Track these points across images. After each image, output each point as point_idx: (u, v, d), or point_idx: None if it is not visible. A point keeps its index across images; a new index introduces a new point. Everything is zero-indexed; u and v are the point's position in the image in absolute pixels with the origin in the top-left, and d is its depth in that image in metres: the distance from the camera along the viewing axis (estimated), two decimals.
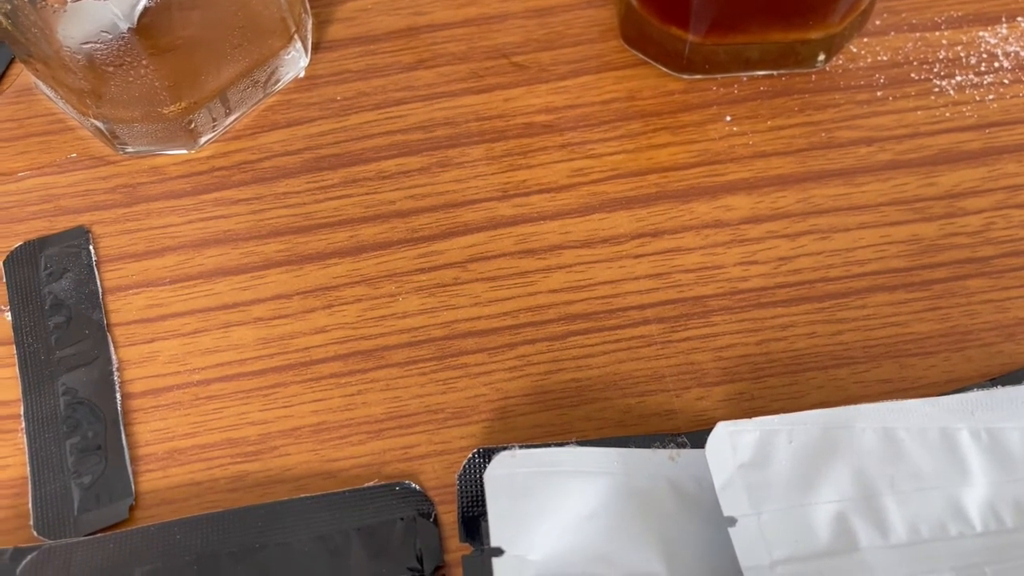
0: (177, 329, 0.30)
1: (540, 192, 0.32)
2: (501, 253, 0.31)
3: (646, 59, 0.35)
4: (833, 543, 0.23)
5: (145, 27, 0.29)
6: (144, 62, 0.30)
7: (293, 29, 0.34)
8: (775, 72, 0.34)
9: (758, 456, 0.24)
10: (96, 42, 0.29)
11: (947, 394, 0.26)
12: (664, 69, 0.35)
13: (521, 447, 0.25)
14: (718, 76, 0.35)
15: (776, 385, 0.28)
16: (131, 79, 0.30)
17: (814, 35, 0.33)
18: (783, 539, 0.23)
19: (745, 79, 0.34)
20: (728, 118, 0.34)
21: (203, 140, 0.33)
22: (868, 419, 0.25)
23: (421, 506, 0.26)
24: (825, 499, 0.23)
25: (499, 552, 0.23)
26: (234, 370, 0.29)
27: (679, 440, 0.26)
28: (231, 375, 0.29)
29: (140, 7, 0.29)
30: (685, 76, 0.35)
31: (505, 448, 0.25)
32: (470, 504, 0.26)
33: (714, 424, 0.27)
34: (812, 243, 0.31)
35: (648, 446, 0.26)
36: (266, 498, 0.27)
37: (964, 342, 0.29)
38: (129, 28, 0.29)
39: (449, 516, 0.26)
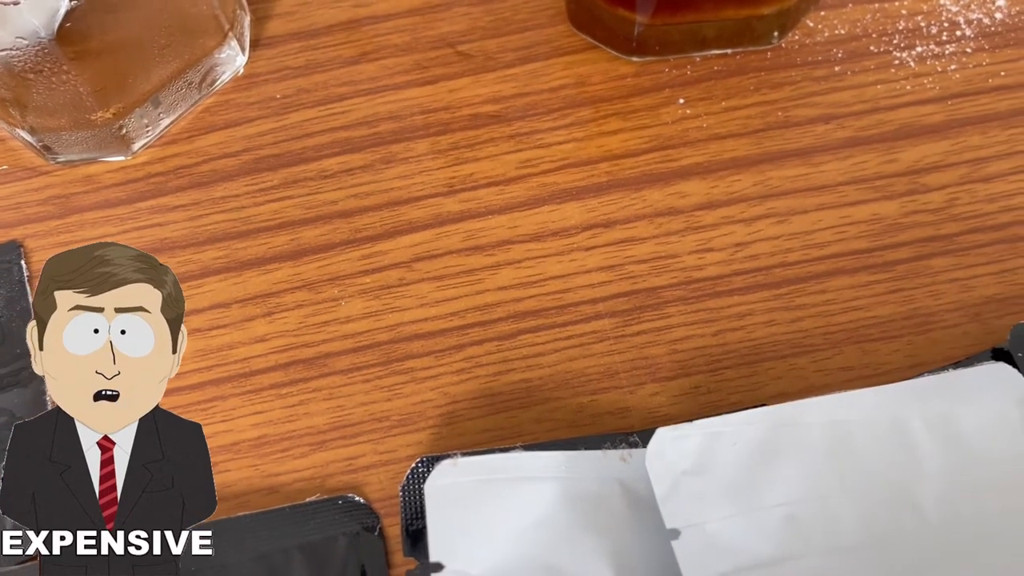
0: None
1: (488, 186, 0.31)
2: (448, 251, 0.30)
3: (596, 43, 0.34)
4: (780, 550, 0.22)
5: (64, 33, 0.28)
6: (65, 67, 0.29)
7: (227, 27, 0.33)
8: (729, 51, 0.33)
9: (701, 462, 0.23)
10: (12, 49, 0.28)
11: (910, 379, 0.25)
12: (614, 52, 0.33)
13: (464, 454, 0.24)
14: (671, 57, 0.33)
15: (733, 377, 0.27)
16: (54, 86, 0.29)
17: (767, 10, 0.32)
18: (728, 549, 0.22)
19: (698, 59, 0.33)
20: (681, 100, 0.32)
21: (137, 146, 0.32)
22: (815, 414, 0.24)
23: (365, 520, 0.25)
24: (772, 503, 0.22)
25: (438, 567, 0.22)
26: (171, 384, 0.28)
27: (631, 440, 0.25)
28: (168, 389, 0.28)
29: (60, 15, 0.28)
30: (636, 59, 0.33)
31: (447, 456, 0.24)
32: (414, 516, 0.25)
33: (669, 421, 0.26)
34: (769, 227, 0.30)
35: (598, 447, 0.25)
36: None
37: (928, 324, 0.28)
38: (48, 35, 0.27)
39: (396, 529, 0.25)
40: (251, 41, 0.35)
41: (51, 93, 0.29)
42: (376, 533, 0.25)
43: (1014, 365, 0.25)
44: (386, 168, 0.32)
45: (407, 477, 0.25)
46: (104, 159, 0.32)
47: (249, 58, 0.34)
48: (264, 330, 0.29)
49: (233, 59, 0.34)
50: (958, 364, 0.26)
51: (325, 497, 0.26)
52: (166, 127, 0.33)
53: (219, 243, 0.30)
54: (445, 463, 0.24)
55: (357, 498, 0.26)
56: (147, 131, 0.32)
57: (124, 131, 0.31)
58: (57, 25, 0.28)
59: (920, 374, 0.26)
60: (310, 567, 0.24)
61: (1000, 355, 0.26)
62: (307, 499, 0.26)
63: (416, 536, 0.24)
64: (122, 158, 0.32)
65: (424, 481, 0.24)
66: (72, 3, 0.28)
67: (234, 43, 0.33)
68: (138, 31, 0.30)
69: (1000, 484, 0.24)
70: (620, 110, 0.32)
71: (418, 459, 0.25)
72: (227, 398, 0.28)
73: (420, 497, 0.24)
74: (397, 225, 0.31)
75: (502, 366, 0.28)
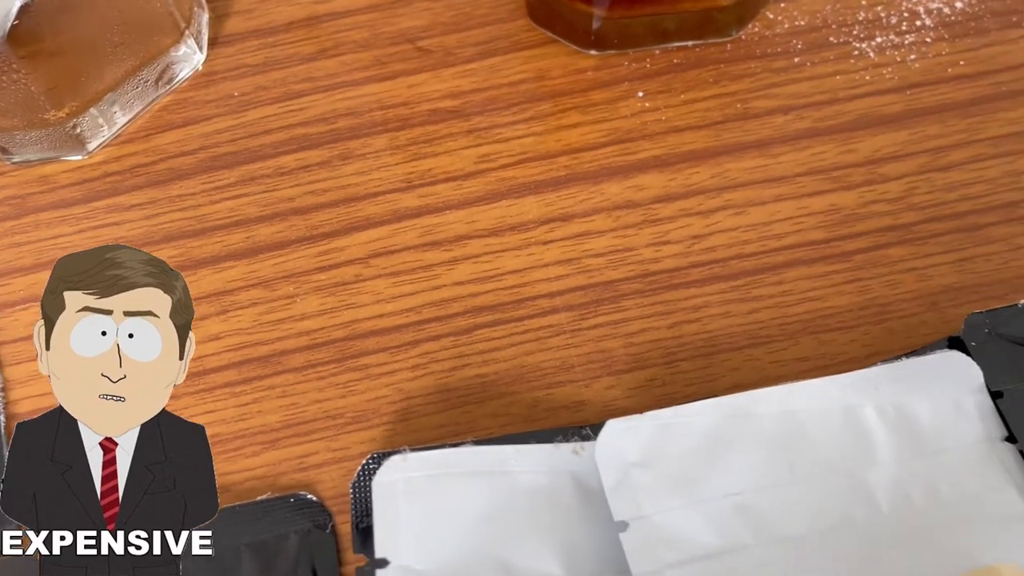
0: None
1: (446, 181, 0.31)
2: (405, 246, 0.30)
3: (555, 37, 0.34)
4: (729, 540, 0.22)
5: (15, 32, 0.28)
6: (16, 67, 0.28)
7: (183, 25, 0.32)
8: (690, 43, 0.33)
9: (651, 454, 0.23)
10: None
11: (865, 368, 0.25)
12: (574, 47, 0.33)
13: (413, 450, 0.24)
14: (630, 51, 0.33)
15: (689, 369, 0.27)
16: (5, 85, 0.29)
17: (724, 2, 0.32)
18: (676, 541, 0.21)
19: (658, 52, 0.33)
20: (640, 94, 0.32)
21: (93, 145, 0.32)
22: (768, 404, 0.23)
23: (317, 517, 0.25)
24: (722, 493, 0.22)
25: (384, 563, 0.22)
26: None
27: (583, 432, 0.25)
28: None
29: (12, 14, 0.28)
30: (596, 53, 0.33)
31: (397, 452, 0.24)
32: (364, 513, 0.24)
33: (624, 414, 0.25)
34: (727, 219, 0.30)
35: (550, 440, 0.25)
36: None
37: (885, 314, 0.28)
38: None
39: (348, 526, 0.25)
40: (210, 39, 0.34)
41: (2, 93, 0.29)
42: (328, 531, 0.25)
43: (968, 353, 0.25)
44: (343, 164, 0.32)
45: (357, 474, 0.25)
46: (60, 159, 0.32)
47: (207, 56, 0.34)
48: (218, 328, 0.29)
49: (190, 57, 0.33)
50: (913, 353, 0.26)
51: (277, 495, 0.25)
52: (123, 126, 0.33)
53: (174, 242, 0.30)
54: (394, 459, 0.24)
55: (309, 496, 0.25)
56: (102, 130, 0.32)
57: (79, 130, 0.31)
58: (9, 25, 0.27)
59: (875, 363, 0.26)
60: (260, 565, 0.24)
61: (956, 343, 0.26)
62: (258, 497, 0.25)
63: (366, 533, 0.24)
64: (78, 157, 0.32)
65: (373, 477, 0.24)
66: (23, 2, 0.27)
67: (191, 41, 0.33)
68: (91, 30, 0.30)
69: (952, 471, 0.23)
70: (579, 104, 0.32)
71: (369, 455, 0.25)
72: (179, 397, 0.27)
73: (370, 493, 0.24)
74: (354, 221, 0.30)
75: (458, 361, 0.28)
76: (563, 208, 0.30)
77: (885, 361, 0.26)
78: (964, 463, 0.24)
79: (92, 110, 0.31)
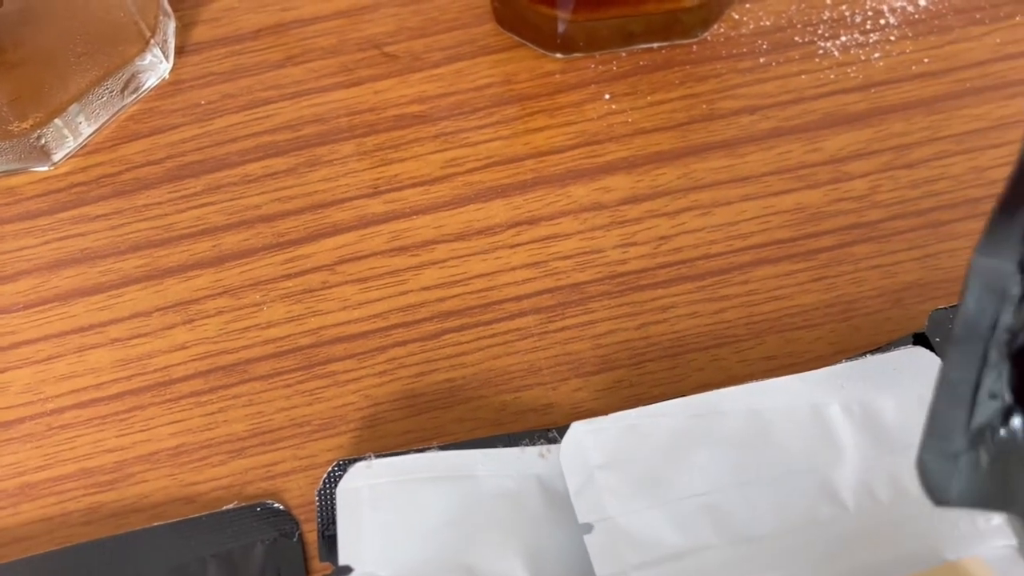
0: (30, 357, 0.28)
1: (413, 186, 0.31)
2: (372, 252, 0.30)
3: (522, 41, 0.34)
4: (694, 540, 0.22)
5: None
6: None
7: (148, 34, 0.32)
8: (655, 45, 0.33)
9: (616, 455, 0.23)
10: None
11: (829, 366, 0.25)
12: (540, 50, 0.33)
13: (378, 456, 0.24)
14: (596, 53, 0.33)
15: (656, 370, 0.27)
16: None
17: (689, 3, 0.32)
18: (641, 542, 0.21)
19: (624, 55, 0.33)
20: (607, 96, 0.32)
21: (59, 156, 0.32)
22: (733, 402, 0.23)
23: (283, 526, 0.25)
24: (688, 493, 0.22)
25: (347, 571, 0.22)
26: (90, 395, 0.28)
27: (550, 435, 0.25)
28: (86, 401, 0.28)
29: None
30: (562, 56, 0.33)
31: (362, 459, 0.24)
32: (330, 520, 0.24)
33: (592, 416, 0.25)
34: (693, 220, 0.30)
35: (516, 444, 0.25)
36: (121, 529, 0.25)
37: (851, 311, 0.28)
38: None
39: (315, 535, 0.25)
40: (177, 47, 0.34)
41: None
42: (295, 539, 0.25)
43: (933, 350, 0.25)
44: (310, 171, 0.31)
45: (323, 481, 0.25)
46: (25, 170, 0.32)
47: (174, 65, 0.34)
48: (184, 337, 0.28)
49: (156, 66, 0.33)
50: (878, 350, 0.26)
51: (243, 504, 0.25)
52: (88, 136, 0.32)
53: (141, 251, 0.30)
54: (359, 465, 0.24)
55: (275, 504, 0.25)
56: (68, 141, 0.32)
57: (43, 141, 0.31)
58: None
59: (841, 361, 0.26)
60: (224, 575, 0.24)
61: (920, 340, 0.26)
62: (224, 507, 0.25)
63: (332, 540, 0.24)
64: (44, 169, 0.32)
65: (338, 484, 0.24)
66: None
67: (157, 50, 0.33)
68: (53, 41, 0.30)
69: (914, 472, 0.23)
70: (546, 107, 0.32)
71: (334, 463, 0.25)
72: (146, 407, 0.27)
73: (335, 501, 0.24)
74: (321, 228, 0.30)
75: (425, 366, 0.28)
76: (530, 211, 0.30)
77: (850, 358, 0.26)
78: None
79: (56, 121, 0.31)
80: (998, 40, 0.33)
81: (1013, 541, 0.22)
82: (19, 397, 0.28)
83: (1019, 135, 0.31)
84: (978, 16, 0.33)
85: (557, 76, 0.33)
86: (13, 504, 0.26)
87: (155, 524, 0.25)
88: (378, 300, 0.29)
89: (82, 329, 0.29)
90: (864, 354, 0.26)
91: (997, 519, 0.23)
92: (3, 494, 0.26)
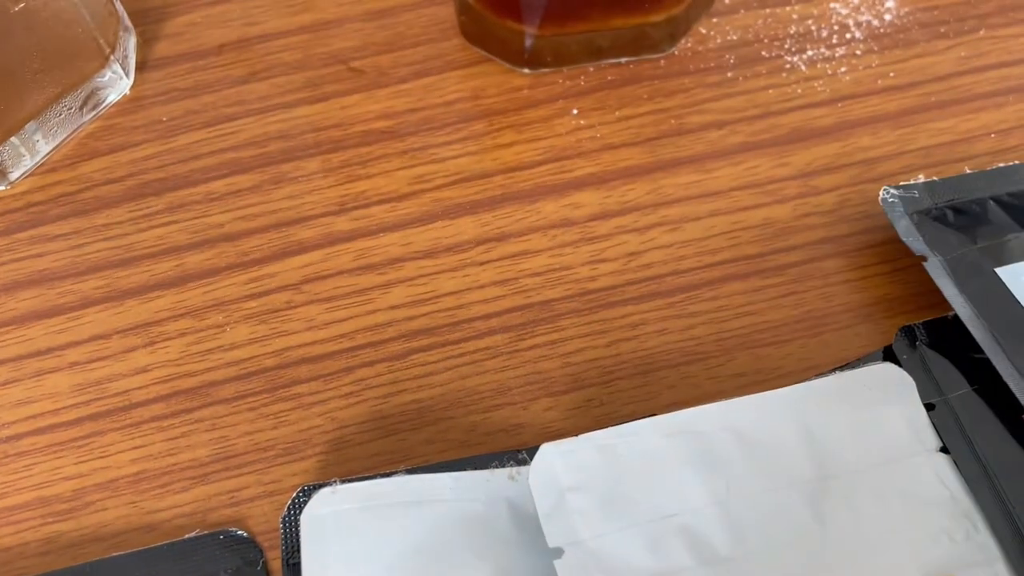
0: None
1: (380, 203, 0.31)
2: (338, 271, 0.29)
3: (489, 56, 0.33)
4: (668, 563, 0.21)
5: None
6: None
7: (108, 50, 0.32)
8: (623, 60, 0.33)
9: (587, 477, 0.22)
10: None
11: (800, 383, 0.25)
12: (508, 65, 0.33)
13: (343, 481, 0.24)
14: (564, 68, 0.33)
15: (626, 388, 0.27)
16: None
17: (655, 18, 0.32)
18: (612, 566, 0.21)
19: (592, 69, 0.33)
20: (575, 111, 0.32)
21: (16, 175, 0.31)
22: (705, 422, 0.23)
23: (247, 554, 0.24)
24: (661, 514, 0.22)
25: None
26: (47, 421, 0.27)
27: (520, 457, 0.25)
28: (44, 427, 0.27)
29: None
30: (529, 71, 0.33)
31: (326, 484, 0.23)
32: (294, 548, 0.24)
33: (563, 436, 0.25)
34: (662, 235, 0.29)
35: (486, 466, 0.24)
36: (79, 559, 0.25)
37: (820, 327, 0.28)
38: None
39: (279, 563, 0.24)
40: (138, 63, 0.34)
41: None
42: (259, 567, 0.24)
43: (901, 365, 0.25)
44: (275, 188, 0.31)
45: (287, 508, 0.24)
46: None
47: (135, 81, 0.33)
48: (145, 360, 0.28)
49: (117, 82, 0.33)
50: (847, 366, 0.26)
51: (205, 532, 0.25)
52: (46, 154, 0.32)
53: (100, 272, 0.29)
54: (323, 491, 0.23)
55: (239, 532, 0.25)
56: (24, 159, 0.31)
57: None
58: None
59: (811, 377, 0.26)
60: None
61: (889, 355, 0.26)
62: (187, 535, 0.25)
63: (296, 569, 0.23)
64: (0, 188, 0.31)
65: (303, 511, 0.23)
66: None
67: (117, 66, 0.32)
68: (8, 58, 0.29)
69: (888, 484, 0.23)
70: (514, 122, 0.32)
71: (299, 488, 0.25)
72: (105, 433, 0.27)
73: (300, 528, 0.23)
74: (286, 246, 0.30)
75: (393, 387, 0.27)
76: (499, 228, 0.30)
77: (821, 375, 0.26)
78: (900, 475, 0.24)
79: (13, 139, 0.30)
80: (963, 53, 0.33)
81: (991, 557, 0.22)
82: None
83: (984, 148, 0.31)
84: (943, 30, 0.34)
85: (525, 91, 0.33)
86: None
87: (115, 554, 0.24)
88: (344, 320, 0.28)
89: (39, 353, 0.28)
90: (834, 370, 0.26)
91: (977, 535, 0.23)
92: None
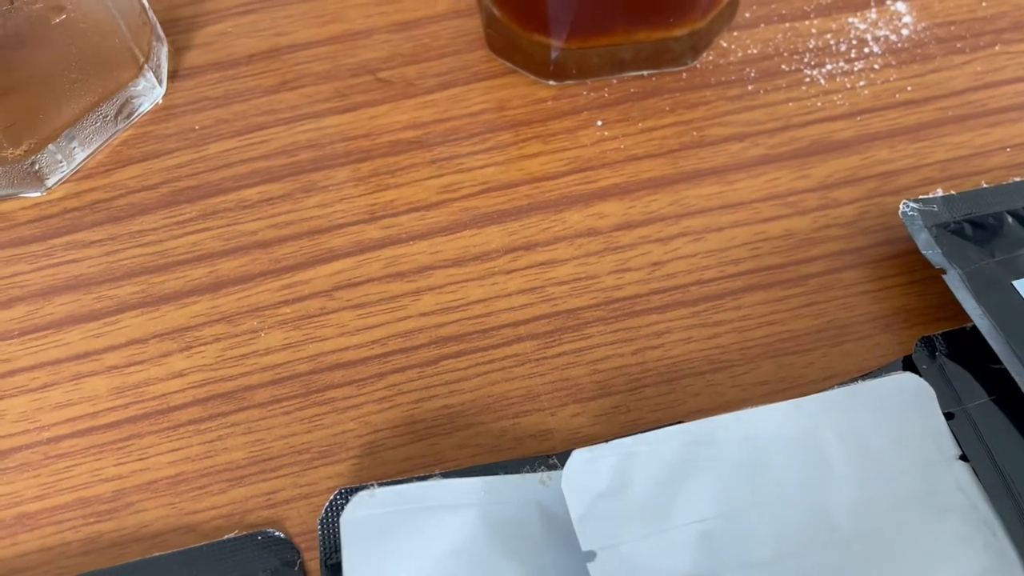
0: (25, 385, 0.28)
1: (408, 211, 0.31)
2: (369, 278, 0.30)
3: (514, 67, 0.34)
4: (694, 568, 0.22)
5: None
6: None
7: (142, 59, 0.32)
8: (645, 73, 0.34)
9: (616, 482, 0.23)
10: None
11: (823, 391, 0.26)
12: (533, 77, 0.34)
13: (381, 485, 0.24)
14: (588, 81, 0.34)
15: (652, 395, 0.27)
16: None
17: (678, 32, 0.32)
18: (643, 569, 0.22)
19: (615, 82, 0.34)
20: (599, 123, 0.33)
21: (52, 181, 0.32)
22: (729, 430, 0.24)
23: (285, 555, 0.25)
24: (686, 520, 0.23)
25: None
26: (86, 424, 0.28)
27: (550, 462, 0.25)
28: (83, 429, 0.27)
29: None
30: (554, 83, 0.34)
31: (364, 487, 0.24)
32: (332, 549, 0.24)
33: (591, 442, 0.26)
34: (685, 245, 0.30)
35: (518, 471, 0.25)
36: (121, 559, 0.25)
37: (841, 336, 0.28)
38: None
39: (317, 563, 0.25)
40: (170, 72, 0.34)
41: None
42: (296, 568, 0.25)
43: (921, 375, 0.26)
44: (306, 197, 0.32)
45: (325, 510, 0.25)
46: (18, 196, 0.32)
47: (168, 89, 0.34)
48: (182, 365, 0.28)
49: (150, 91, 0.33)
50: (868, 375, 0.27)
51: (244, 533, 0.25)
52: (82, 161, 0.32)
53: (136, 278, 0.30)
54: (362, 495, 0.24)
55: (276, 533, 0.25)
56: (61, 166, 0.32)
57: (37, 167, 0.31)
58: None
59: (833, 386, 0.27)
60: None
61: (909, 365, 0.27)
62: (225, 536, 0.25)
63: (335, 570, 0.24)
64: (37, 194, 0.32)
65: (342, 513, 0.24)
66: None
67: (150, 75, 0.33)
68: (47, 67, 0.30)
69: (909, 492, 0.24)
70: (540, 133, 0.33)
71: (336, 491, 0.25)
72: (144, 436, 0.27)
73: (338, 530, 0.24)
74: (317, 254, 0.30)
75: (424, 393, 0.28)
76: (526, 237, 0.31)
77: (841, 384, 0.26)
78: (920, 483, 0.24)
79: (50, 147, 0.31)
80: (978, 68, 0.34)
81: (1010, 563, 0.23)
82: (15, 426, 0.28)
83: (999, 162, 0.32)
84: (959, 45, 0.34)
85: (550, 103, 0.33)
86: (11, 535, 0.26)
87: (155, 554, 0.25)
88: (376, 326, 0.29)
89: (78, 357, 0.29)
90: (855, 379, 0.26)
91: (996, 542, 0.23)
92: (0, 524, 0.26)
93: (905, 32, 0.35)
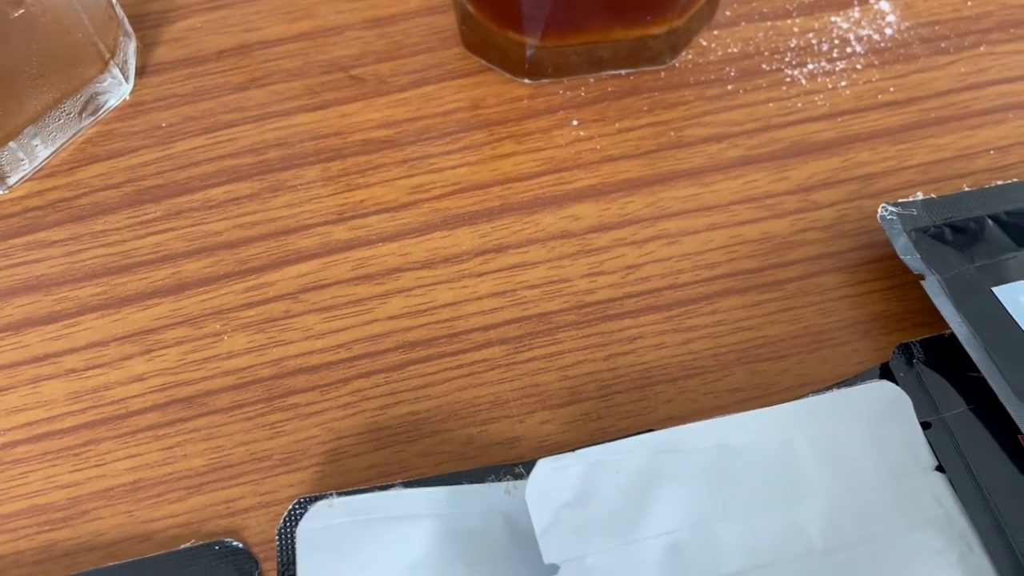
0: None
1: (378, 212, 0.31)
2: (336, 280, 0.29)
3: (490, 65, 0.33)
4: None
5: None
6: None
7: (107, 55, 0.32)
8: (623, 72, 0.33)
9: (582, 493, 0.22)
10: None
11: (798, 399, 0.25)
12: (508, 75, 0.33)
13: (340, 494, 0.24)
14: (564, 79, 0.33)
15: (623, 402, 0.27)
16: None
17: (656, 30, 0.32)
18: None
19: (592, 81, 0.33)
20: (575, 122, 0.32)
21: (13, 179, 0.31)
22: (699, 439, 0.23)
23: (243, 565, 0.24)
24: (654, 532, 0.22)
25: None
26: (42, 429, 0.27)
27: (516, 471, 0.25)
28: (39, 435, 0.27)
29: None
30: (530, 81, 0.33)
31: (324, 497, 0.23)
32: (290, 561, 0.24)
33: (559, 449, 0.25)
34: (661, 248, 0.29)
35: (482, 480, 0.24)
36: (75, 568, 0.25)
37: (818, 343, 0.28)
38: None
39: (275, 574, 0.24)
40: (138, 68, 0.34)
41: None
42: None
43: (898, 383, 0.25)
44: (274, 196, 0.31)
45: (283, 520, 0.24)
46: None
47: (135, 86, 0.33)
48: (142, 368, 0.28)
49: (116, 87, 0.33)
50: (844, 383, 0.26)
51: (201, 543, 0.25)
52: (45, 159, 0.32)
53: (97, 279, 0.29)
54: (319, 504, 0.23)
55: (235, 543, 0.25)
56: (23, 164, 0.31)
57: None
58: None
59: (808, 393, 0.26)
60: None
61: (886, 372, 0.26)
62: (182, 546, 0.25)
63: None
64: None
65: (298, 525, 0.23)
66: None
67: (116, 71, 0.32)
68: (6, 63, 0.29)
69: (884, 503, 0.23)
70: (514, 133, 0.32)
71: (295, 500, 0.25)
72: (101, 441, 0.27)
73: (296, 541, 0.23)
74: (284, 255, 0.30)
75: (390, 399, 0.27)
76: (497, 239, 0.30)
77: (816, 391, 0.26)
78: (895, 494, 0.24)
79: (11, 144, 0.30)
80: (963, 69, 0.33)
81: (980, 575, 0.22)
82: None
83: (983, 165, 0.31)
84: (943, 45, 0.34)
85: (525, 101, 0.33)
86: None
87: (110, 563, 0.24)
88: (342, 330, 0.28)
89: (36, 359, 0.28)
90: (831, 387, 0.26)
91: (972, 555, 0.23)
92: None
93: (888, 32, 0.34)
